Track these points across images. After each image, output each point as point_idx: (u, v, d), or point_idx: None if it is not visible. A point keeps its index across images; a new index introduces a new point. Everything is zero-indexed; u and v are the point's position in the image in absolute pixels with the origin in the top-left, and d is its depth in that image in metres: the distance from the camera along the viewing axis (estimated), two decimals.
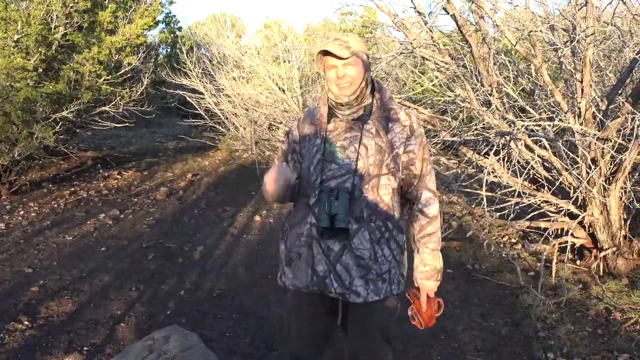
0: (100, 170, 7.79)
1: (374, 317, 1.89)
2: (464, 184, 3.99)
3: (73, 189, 6.71)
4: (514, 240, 4.63)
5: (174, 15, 11.34)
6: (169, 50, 11.95)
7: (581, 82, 3.53)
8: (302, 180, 1.86)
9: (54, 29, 6.01)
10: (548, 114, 4.02)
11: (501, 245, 4.52)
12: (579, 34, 3.42)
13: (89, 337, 3.05)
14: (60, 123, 6.20)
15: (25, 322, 3.17)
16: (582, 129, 3.45)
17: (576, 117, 3.58)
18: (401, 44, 4.57)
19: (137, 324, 3.23)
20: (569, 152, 3.45)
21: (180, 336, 2.70)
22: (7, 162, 5.91)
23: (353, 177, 1.75)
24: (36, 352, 2.86)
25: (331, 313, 1.94)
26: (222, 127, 8.62)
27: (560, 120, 3.61)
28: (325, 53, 1.73)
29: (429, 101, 5.29)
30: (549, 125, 3.57)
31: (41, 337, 3.03)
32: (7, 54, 5.44)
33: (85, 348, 2.92)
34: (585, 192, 3.53)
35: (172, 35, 11.38)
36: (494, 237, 4.69)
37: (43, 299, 3.51)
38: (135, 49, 7.33)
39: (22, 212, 5.63)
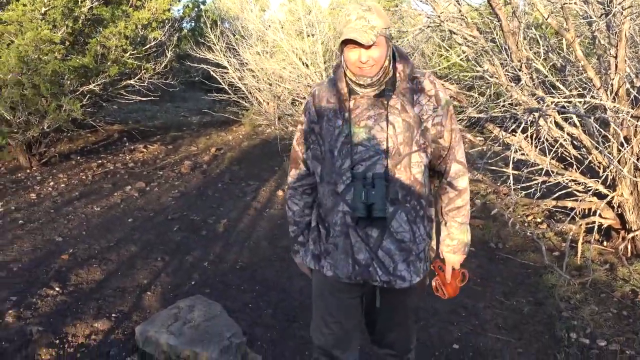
0: (127, 144, 7.92)
1: (411, 298, 1.85)
2: (489, 161, 3.93)
3: (100, 161, 6.85)
4: (539, 220, 4.57)
5: None
6: (193, 24, 11.91)
7: (615, 57, 3.40)
8: (324, 165, 1.74)
9: (81, 2, 6.05)
10: (579, 91, 3.89)
11: (526, 225, 4.46)
12: (615, 7, 3.27)
13: (117, 304, 3.15)
14: (87, 96, 6.30)
15: (57, 289, 3.29)
16: (615, 106, 3.34)
17: (609, 94, 3.46)
18: (428, 17, 4.46)
19: (162, 293, 3.32)
20: (600, 130, 3.35)
21: (204, 305, 2.77)
22: (37, 134, 6.06)
23: (385, 159, 1.64)
24: (67, 317, 2.96)
25: (362, 304, 1.90)
26: (245, 101, 8.62)
27: (592, 97, 3.49)
28: (350, 40, 1.55)
29: (455, 77, 5.19)
30: (580, 102, 3.47)
31: (71, 303, 3.14)
32: (35, 27, 5.50)
33: (113, 314, 3.02)
34: (616, 172, 3.44)
35: (196, 9, 11.33)
36: (519, 216, 4.63)
37: (73, 267, 3.63)
38: (161, 23, 7.35)
39: (52, 183, 5.78)
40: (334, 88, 1.72)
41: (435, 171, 1.79)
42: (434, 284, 1.88)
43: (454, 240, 1.80)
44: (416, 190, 1.69)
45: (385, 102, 1.65)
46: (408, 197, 1.68)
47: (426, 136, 1.68)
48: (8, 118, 5.69)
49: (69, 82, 5.94)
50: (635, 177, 3.41)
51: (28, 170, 6.28)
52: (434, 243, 1.87)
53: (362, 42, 1.52)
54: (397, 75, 1.67)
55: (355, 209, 1.64)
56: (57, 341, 2.73)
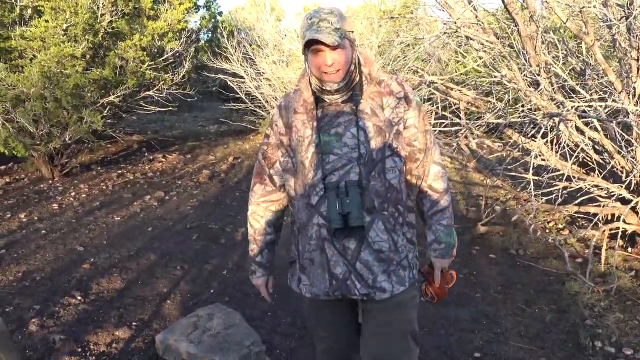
0: (146, 154, 8.03)
1: (400, 310, 1.72)
2: (508, 167, 3.88)
3: (120, 171, 6.95)
4: (560, 226, 4.49)
5: (215, 0, 11.43)
6: (209, 35, 12.09)
7: (637, 60, 3.35)
8: (297, 178, 1.68)
9: (100, 16, 6.18)
10: (600, 95, 3.83)
11: (547, 231, 4.39)
12: (636, 9, 3.23)
13: (137, 312, 3.17)
14: (107, 108, 6.41)
15: (78, 297, 3.33)
16: (637, 110, 3.28)
17: (631, 97, 3.40)
18: (444, 23, 4.46)
19: (182, 301, 3.34)
20: (622, 134, 3.29)
21: (223, 314, 2.78)
22: (59, 146, 6.18)
23: (358, 166, 1.58)
24: (88, 326, 3.00)
25: (352, 314, 1.81)
26: (262, 110, 8.69)
27: (613, 100, 3.44)
28: (314, 42, 1.50)
29: (473, 82, 5.16)
30: (601, 106, 3.42)
31: (93, 311, 3.17)
32: (57, 42, 5.64)
33: (134, 323, 3.04)
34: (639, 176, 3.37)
35: (212, 20, 11.50)
36: (540, 222, 4.55)
37: (94, 276, 3.67)
38: (177, 34, 7.46)
39: (73, 193, 5.88)
40: (300, 98, 1.67)
41: (414, 175, 1.72)
42: (422, 288, 1.85)
43: (441, 244, 1.74)
44: (393, 197, 1.63)
45: (354, 107, 1.60)
46: (385, 205, 1.61)
47: (399, 140, 1.63)
48: (31, 130, 5.82)
49: (89, 94, 6.06)
50: None
51: (50, 181, 6.40)
52: (416, 251, 1.79)
53: (327, 42, 1.47)
54: (364, 79, 1.62)
55: (330, 220, 1.58)
56: (79, 349, 2.76)
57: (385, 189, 1.61)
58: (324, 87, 1.58)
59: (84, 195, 5.82)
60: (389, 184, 1.62)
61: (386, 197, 1.61)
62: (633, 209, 3.57)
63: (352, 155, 1.59)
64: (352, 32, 1.57)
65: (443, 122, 4.23)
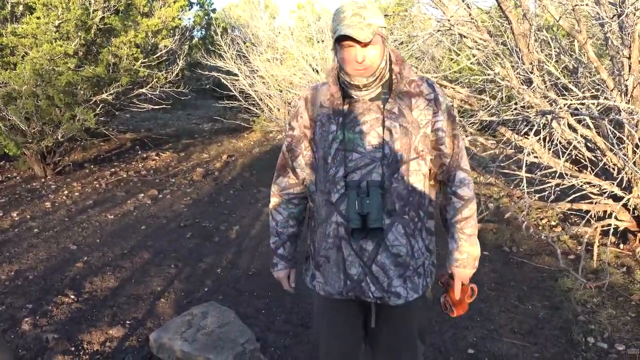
0: (139, 152, 8.00)
1: (413, 317, 1.72)
2: (502, 164, 3.90)
3: (113, 169, 6.92)
4: (553, 223, 4.52)
5: None
6: (203, 32, 12.04)
7: (629, 58, 3.37)
8: (318, 173, 1.64)
9: (93, 13, 6.14)
10: (592, 93, 3.85)
11: (540, 228, 4.42)
12: (628, 8, 3.25)
13: (131, 311, 3.16)
14: (100, 105, 6.37)
15: (72, 296, 3.32)
16: (629, 108, 3.30)
17: (623, 95, 3.43)
18: (438, 21, 4.46)
19: (176, 300, 3.33)
20: (614, 132, 3.31)
21: (217, 312, 2.78)
22: (51, 144, 6.14)
23: (381, 166, 1.54)
24: (82, 325, 2.99)
25: (364, 317, 1.77)
26: (256, 108, 8.68)
27: (605, 98, 3.46)
28: (345, 37, 1.45)
29: (466, 80, 5.17)
30: (593, 104, 3.44)
31: (86, 310, 3.16)
32: (49, 39, 5.59)
33: (127, 322, 3.03)
34: (631, 173, 3.39)
35: (206, 17, 11.46)
36: (533, 219, 4.58)
37: (87, 275, 3.66)
38: (171, 31, 7.43)
39: (66, 192, 5.85)
40: (327, 92, 1.62)
41: (438, 180, 1.68)
42: (442, 300, 1.79)
43: (463, 254, 1.66)
44: (415, 201, 1.59)
45: (382, 106, 1.56)
46: (406, 209, 1.57)
47: (426, 143, 1.59)
48: (23, 128, 5.78)
49: (82, 92, 6.02)
50: None
51: (43, 180, 6.36)
52: (434, 258, 1.75)
53: (359, 38, 1.43)
54: (394, 77, 1.57)
55: (349, 219, 1.54)
56: (73, 348, 2.75)
57: (408, 192, 1.57)
58: (352, 82, 1.54)
59: (77, 194, 5.79)
60: (412, 187, 1.58)
61: (408, 200, 1.57)
62: (625, 205, 3.59)
63: (376, 155, 1.55)
64: (384, 27, 1.51)
65: None
